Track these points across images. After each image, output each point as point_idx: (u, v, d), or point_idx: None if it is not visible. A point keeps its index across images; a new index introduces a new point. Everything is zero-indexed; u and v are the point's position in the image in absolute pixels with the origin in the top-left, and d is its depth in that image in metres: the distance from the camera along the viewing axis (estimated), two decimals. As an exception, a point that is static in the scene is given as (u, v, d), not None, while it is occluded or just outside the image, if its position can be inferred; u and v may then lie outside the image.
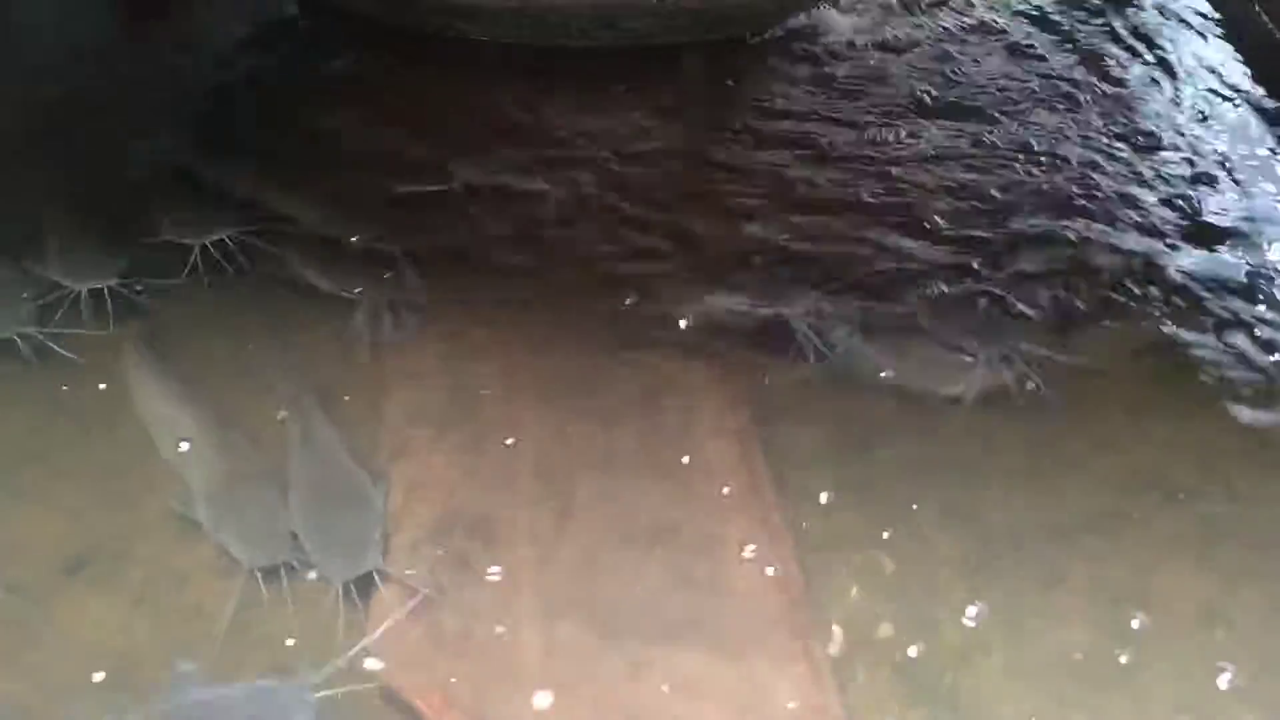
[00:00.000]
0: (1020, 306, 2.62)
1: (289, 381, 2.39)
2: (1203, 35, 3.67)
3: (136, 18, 3.57)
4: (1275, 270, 2.75)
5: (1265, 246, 2.82)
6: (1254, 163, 3.12)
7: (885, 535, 2.15)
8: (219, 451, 2.25)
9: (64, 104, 3.10)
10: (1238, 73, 3.49)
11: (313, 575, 2.04)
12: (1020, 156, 3.10)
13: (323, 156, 3.04)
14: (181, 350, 2.48)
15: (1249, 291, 2.69)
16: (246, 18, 3.65)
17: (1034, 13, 3.74)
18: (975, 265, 2.74)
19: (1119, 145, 3.16)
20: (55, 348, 2.40)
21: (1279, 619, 2.03)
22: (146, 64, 3.40)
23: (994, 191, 2.98)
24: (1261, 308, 2.64)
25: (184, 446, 2.26)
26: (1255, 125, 3.28)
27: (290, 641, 1.95)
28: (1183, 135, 3.22)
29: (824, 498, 2.21)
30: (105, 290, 2.50)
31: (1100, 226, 2.87)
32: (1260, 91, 3.40)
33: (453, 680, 1.89)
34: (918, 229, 2.85)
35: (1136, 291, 2.67)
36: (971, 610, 2.03)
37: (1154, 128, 3.23)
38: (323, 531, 2.10)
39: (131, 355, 2.46)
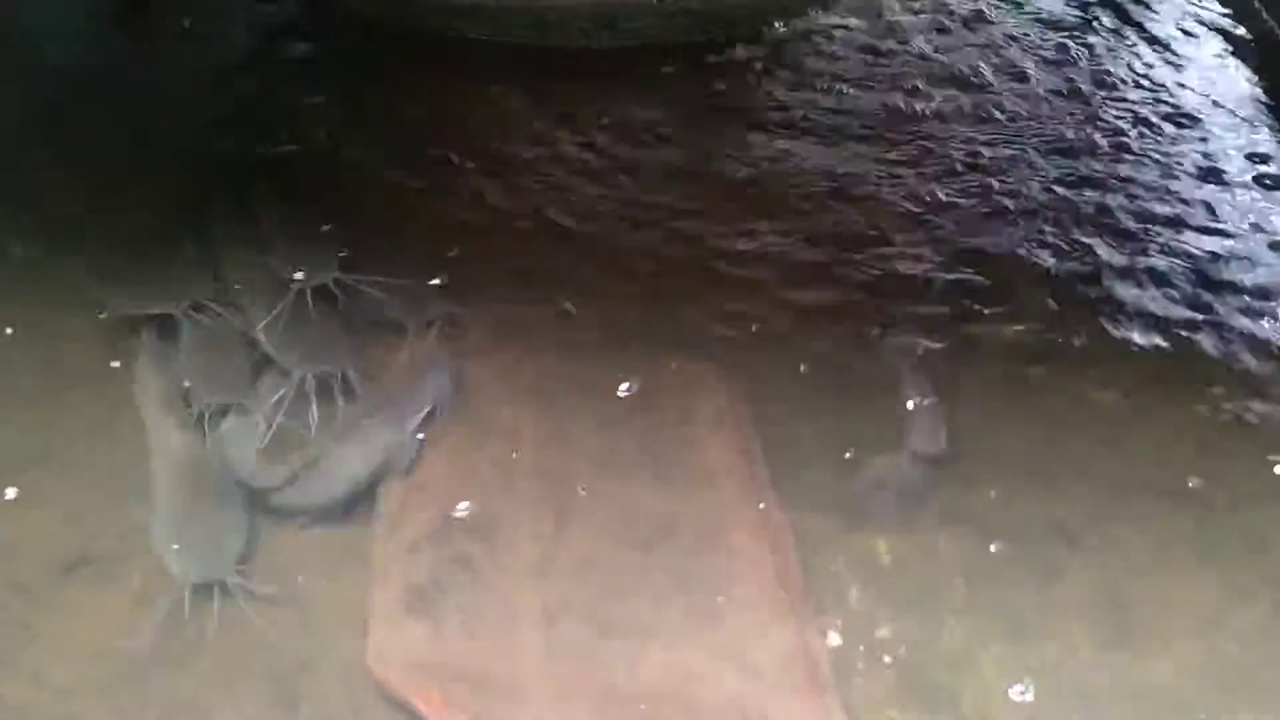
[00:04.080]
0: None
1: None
2: (1205, 33, 3.67)
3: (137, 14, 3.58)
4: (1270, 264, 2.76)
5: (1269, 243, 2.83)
6: (1255, 160, 3.13)
7: (885, 534, 2.15)
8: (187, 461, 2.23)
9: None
10: (1240, 71, 3.50)
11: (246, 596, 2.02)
12: (1025, 156, 3.11)
13: (322, 162, 3.05)
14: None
15: (1246, 288, 2.69)
16: (246, 19, 3.66)
17: (1043, 14, 3.73)
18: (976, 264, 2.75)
19: (1122, 142, 3.17)
20: None
21: (1279, 619, 2.03)
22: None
23: (998, 183, 2.99)
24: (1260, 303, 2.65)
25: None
26: (1256, 123, 3.28)
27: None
28: (1184, 133, 3.22)
29: (824, 497, 2.21)
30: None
31: (1099, 223, 2.87)
32: (1263, 89, 3.41)
33: (453, 680, 1.90)
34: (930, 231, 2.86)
35: (1135, 289, 2.68)
36: (971, 609, 2.03)
37: (1157, 124, 3.24)
38: (186, 530, 2.10)
39: (143, 355, 2.46)
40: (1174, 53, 3.55)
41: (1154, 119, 3.24)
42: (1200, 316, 2.60)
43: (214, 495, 2.17)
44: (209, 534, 2.10)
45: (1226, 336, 2.56)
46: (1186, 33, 3.66)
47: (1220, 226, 2.86)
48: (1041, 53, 3.52)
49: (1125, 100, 3.33)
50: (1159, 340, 2.55)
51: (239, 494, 2.18)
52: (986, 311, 2.60)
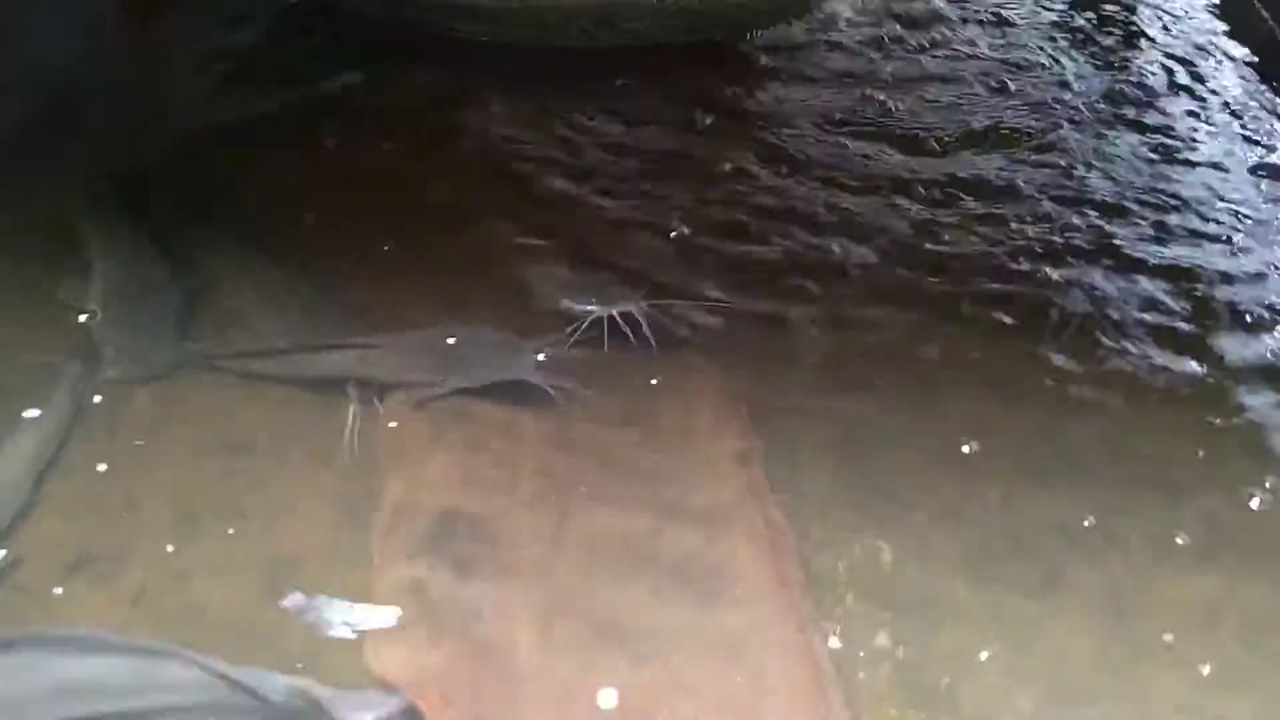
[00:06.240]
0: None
1: None
2: (1205, 30, 3.67)
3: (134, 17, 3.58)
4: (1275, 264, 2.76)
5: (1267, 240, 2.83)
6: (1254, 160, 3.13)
7: (885, 534, 2.15)
8: None
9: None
10: (1240, 69, 3.50)
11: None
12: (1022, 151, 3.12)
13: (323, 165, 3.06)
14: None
15: (1244, 283, 2.69)
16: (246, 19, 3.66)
17: (1042, 10, 3.74)
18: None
19: (1118, 138, 3.17)
20: None
21: (1278, 617, 2.03)
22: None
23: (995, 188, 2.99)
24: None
25: None
26: (1256, 122, 3.28)
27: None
28: (1183, 128, 3.23)
29: (824, 497, 2.21)
30: None
31: (1094, 220, 2.88)
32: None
33: (453, 680, 1.89)
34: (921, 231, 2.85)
35: (1135, 289, 2.68)
36: (971, 609, 2.03)
37: (1155, 120, 3.24)
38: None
39: None
40: (1173, 56, 3.56)
41: (1149, 122, 3.25)
42: (1198, 317, 2.61)
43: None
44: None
45: (1226, 336, 2.56)
46: (1185, 35, 3.67)
47: (1220, 229, 2.87)
48: (1035, 51, 3.53)
49: (1118, 100, 3.34)
50: (1158, 336, 2.55)
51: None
52: (973, 308, 2.62)
